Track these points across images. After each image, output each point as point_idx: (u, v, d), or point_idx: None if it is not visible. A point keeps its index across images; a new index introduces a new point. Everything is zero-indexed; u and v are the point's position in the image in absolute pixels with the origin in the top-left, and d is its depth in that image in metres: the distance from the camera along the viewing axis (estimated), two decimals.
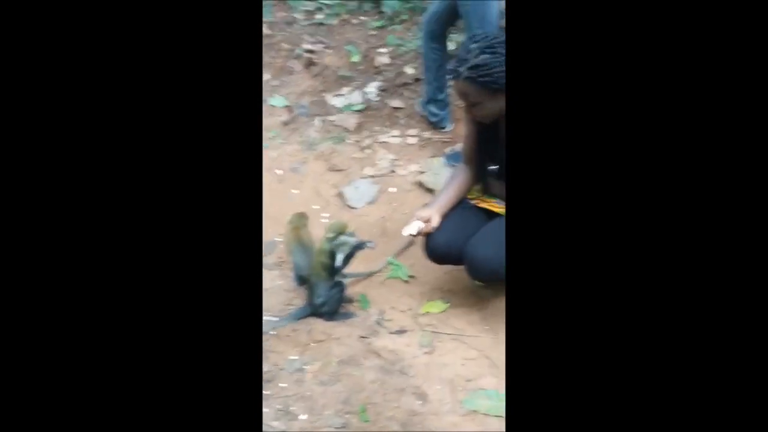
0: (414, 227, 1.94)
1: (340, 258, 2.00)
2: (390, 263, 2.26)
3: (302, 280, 2.17)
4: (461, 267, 1.97)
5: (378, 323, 2.01)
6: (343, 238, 1.99)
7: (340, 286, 2.02)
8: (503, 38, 1.83)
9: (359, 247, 2.01)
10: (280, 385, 1.75)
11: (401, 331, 1.96)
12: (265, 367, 1.81)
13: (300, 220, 2.25)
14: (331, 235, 1.99)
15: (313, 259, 2.10)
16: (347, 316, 2.03)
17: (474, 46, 1.79)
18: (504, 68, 1.74)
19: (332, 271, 2.00)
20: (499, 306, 2.06)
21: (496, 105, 1.82)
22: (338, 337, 1.94)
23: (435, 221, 1.97)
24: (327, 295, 2.00)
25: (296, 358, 1.85)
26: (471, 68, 1.76)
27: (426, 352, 1.87)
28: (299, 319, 2.01)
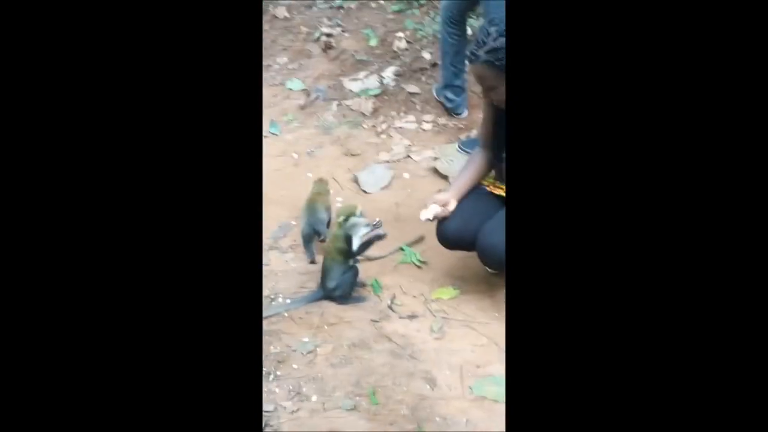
0: (431, 211, 1.95)
1: (356, 243, 2.01)
2: (402, 249, 2.27)
3: (307, 239, 2.28)
4: (473, 253, 1.98)
5: (389, 308, 2.02)
6: (353, 219, 2.00)
7: (353, 270, 2.04)
8: None
9: (378, 237, 2.03)
10: (293, 366, 1.78)
11: (412, 316, 1.98)
12: (278, 348, 1.84)
13: (320, 186, 2.39)
14: (341, 218, 2.00)
15: (320, 225, 2.21)
16: (359, 299, 2.05)
17: (493, 29, 1.77)
18: None
19: (347, 255, 2.02)
20: None
21: None
22: (350, 320, 1.96)
23: (452, 206, 1.97)
24: (340, 279, 2.01)
25: (308, 340, 1.88)
26: (489, 51, 1.75)
27: (436, 338, 1.89)
28: (312, 302, 2.04)
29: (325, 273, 2.04)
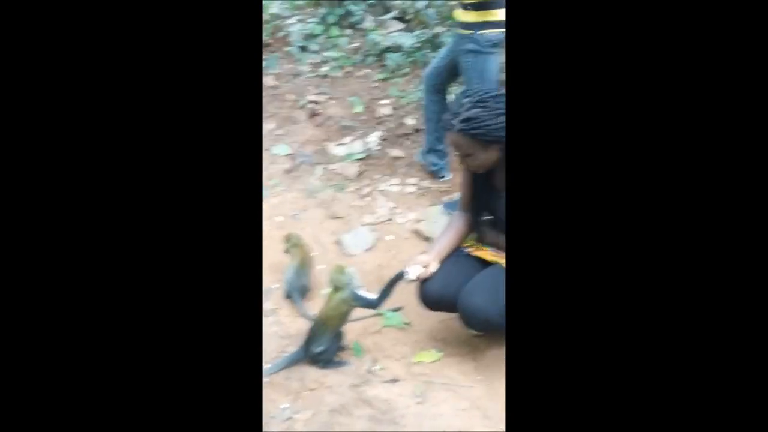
0: (413, 272, 1.95)
1: (368, 293, 1.99)
2: (381, 314, 2.26)
3: (288, 295, 2.36)
4: (455, 315, 1.97)
5: (370, 372, 1.99)
6: (347, 280, 1.98)
7: (338, 335, 2.02)
8: (495, 92, 1.89)
9: (399, 277, 1.98)
10: None
11: (394, 380, 1.95)
12: None
13: (294, 238, 2.49)
14: (334, 286, 1.98)
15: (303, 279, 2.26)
16: (340, 364, 2.02)
17: (466, 100, 1.85)
18: (495, 121, 1.79)
19: (369, 305, 2.01)
20: (493, 355, 2.04)
21: (488, 156, 1.86)
22: (330, 385, 1.93)
23: (433, 267, 1.98)
24: (327, 345, 1.99)
25: (287, 406, 1.84)
26: (463, 121, 1.82)
27: (418, 402, 1.85)
28: (291, 364, 2.00)
29: (312, 336, 2.00)
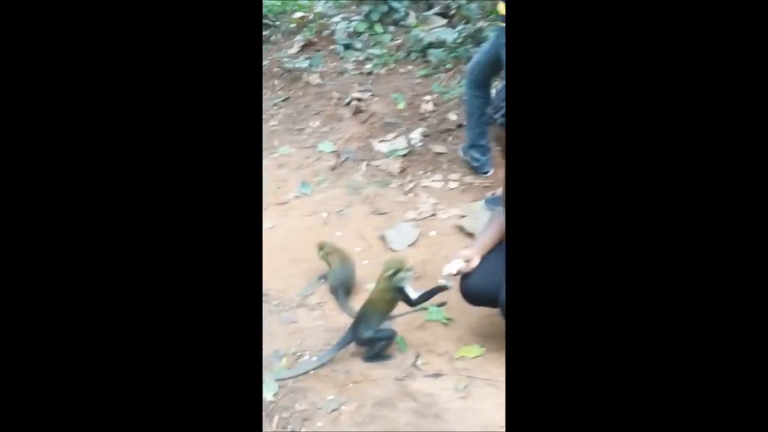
0: (454, 266, 1.97)
1: (413, 292, 2.03)
2: (426, 308, 2.28)
3: (332, 290, 2.42)
4: (497, 310, 1.98)
5: (414, 366, 2.02)
6: (402, 274, 2.02)
7: (390, 335, 2.05)
8: None
9: (442, 288, 2.03)
10: (317, 424, 1.79)
11: (437, 375, 1.97)
12: (303, 406, 1.85)
13: (327, 246, 2.54)
14: (390, 272, 2.02)
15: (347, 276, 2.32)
16: (386, 357, 2.06)
17: None
18: None
19: (392, 306, 2.06)
20: None
21: None
22: (375, 378, 1.97)
23: (475, 262, 1.99)
24: (376, 332, 2.02)
25: (333, 398, 1.89)
26: (504, 115, 1.82)
27: (461, 397, 1.87)
28: (341, 348, 2.05)
29: (360, 320, 2.05)
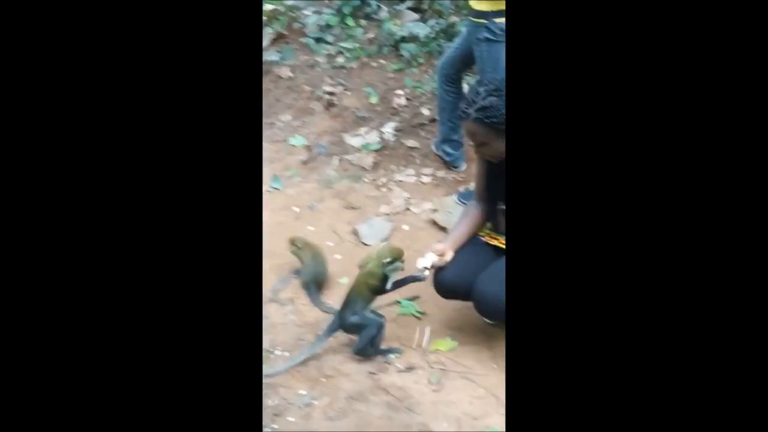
0: (428, 260, 1.97)
1: (390, 283, 2.01)
2: (399, 302, 2.28)
3: (306, 285, 2.39)
4: (471, 304, 1.99)
5: (387, 360, 2.02)
6: (397, 264, 2.00)
7: (380, 323, 1.99)
8: None
9: (416, 279, 2.01)
10: (288, 419, 1.78)
11: (410, 368, 1.97)
12: (275, 401, 1.83)
13: (298, 241, 2.50)
14: (387, 259, 1.99)
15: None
16: (384, 351, 2.01)
17: (482, 89, 1.85)
18: None
19: (378, 292, 2.02)
20: None
21: (503, 145, 1.86)
22: (347, 373, 1.96)
23: (449, 255, 2.00)
24: (362, 316, 1.99)
25: (305, 393, 1.87)
26: (479, 110, 1.82)
27: (434, 390, 1.88)
28: (330, 335, 2.02)
29: (347, 304, 2.01)
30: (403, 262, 2.03)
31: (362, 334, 1.99)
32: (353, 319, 1.99)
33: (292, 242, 2.50)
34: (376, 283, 2.01)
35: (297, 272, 2.48)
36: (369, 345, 1.99)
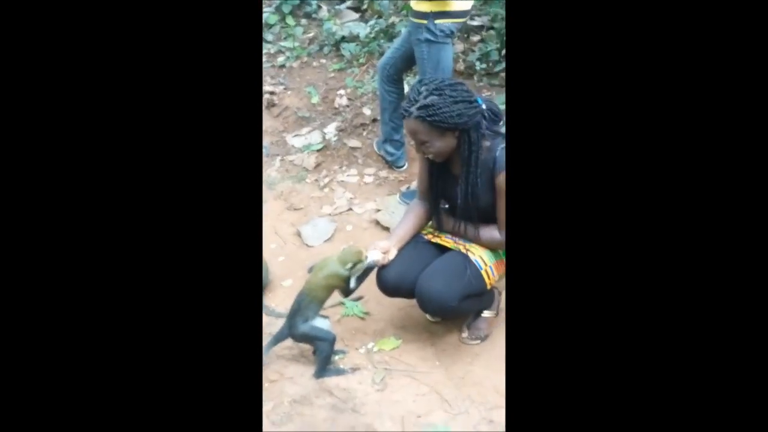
0: (372, 255, 1.96)
1: (353, 282, 1.96)
2: (342, 303, 2.27)
3: None
4: (414, 302, 2.00)
5: (331, 361, 2.00)
6: (360, 266, 1.94)
7: (331, 337, 1.93)
8: (451, 82, 1.92)
9: (371, 267, 1.96)
10: None
11: (354, 369, 1.96)
12: None
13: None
14: (349, 265, 1.92)
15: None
16: (339, 372, 1.95)
17: (423, 87, 1.87)
18: (451, 109, 1.82)
19: (346, 293, 1.99)
20: (451, 341, 2.08)
21: (445, 143, 1.88)
22: (291, 376, 1.94)
23: (392, 253, 2.00)
24: (312, 328, 1.92)
25: None
26: (420, 108, 1.83)
27: (378, 390, 1.88)
28: (276, 343, 1.96)
29: (296, 312, 1.92)
30: (357, 256, 1.96)
31: (318, 354, 1.93)
32: (304, 328, 1.91)
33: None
34: (341, 285, 1.96)
35: None
36: (327, 364, 1.94)
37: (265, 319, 2.22)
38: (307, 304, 1.93)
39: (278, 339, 1.96)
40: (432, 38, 2.60)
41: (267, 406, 1.80)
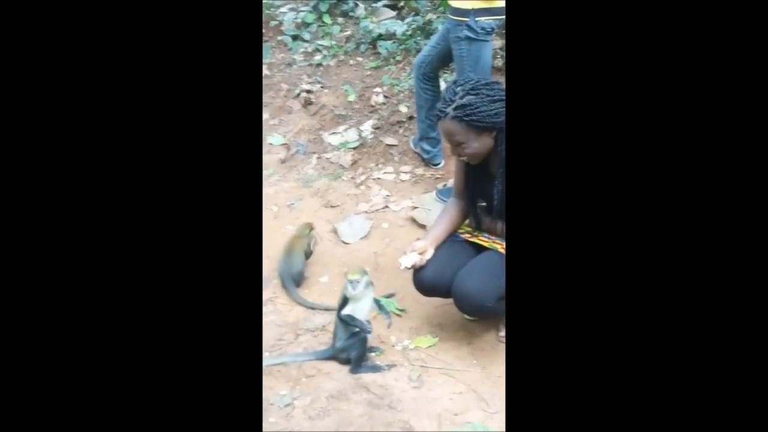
0: (410, 259, 1.97)
1: (348, 309, 1.96)
2: (377, 300, 2.28)
3: (282, 283, 2.43)
4: (451, 301, 2.00)
5: (368, 357, 2.02)
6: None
7: (362, 338, 1.95)
8: (487, 80, 1.91)
9: (364, 329, 1.95)
10: (270, 420, 1.77)
11: (390, 366, 1.98)
12: None
13: (302, 230, 2.57)
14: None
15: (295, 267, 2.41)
16: (376, 368, 1.97)
17: (459, 88, 1.86)
18: (489, 108, 1.81)
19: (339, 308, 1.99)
20: (488, 340, 2.07)
21: (481, 144, 1.87)
22: (328, 371, 1.96)
23: (429, 253, 2.00)
24: (345, 341, 1.96)
25: (286, 393, 1.87)
26: (456, 108, 1.83)
27: (414, 387, 1.88)
28: (320, 359, 2.01)
29: (335, 332, 2.00)
30: (366, 273, 1.97)
31: (352, 354, 1.96)
32: (338, 344, 1.97)
33: (309, 227, 2.58)
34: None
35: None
36: (363, 360, 1.97)
37: (302, 315, 2.26)
38: (336, 324, 1.99)
39: (320, 356, 2.02)
40: (472, 36, 2.58)
41: (304, 401, 1.83)
